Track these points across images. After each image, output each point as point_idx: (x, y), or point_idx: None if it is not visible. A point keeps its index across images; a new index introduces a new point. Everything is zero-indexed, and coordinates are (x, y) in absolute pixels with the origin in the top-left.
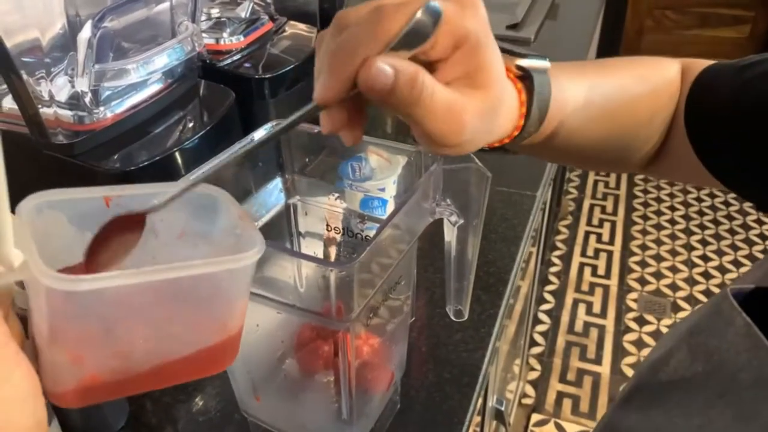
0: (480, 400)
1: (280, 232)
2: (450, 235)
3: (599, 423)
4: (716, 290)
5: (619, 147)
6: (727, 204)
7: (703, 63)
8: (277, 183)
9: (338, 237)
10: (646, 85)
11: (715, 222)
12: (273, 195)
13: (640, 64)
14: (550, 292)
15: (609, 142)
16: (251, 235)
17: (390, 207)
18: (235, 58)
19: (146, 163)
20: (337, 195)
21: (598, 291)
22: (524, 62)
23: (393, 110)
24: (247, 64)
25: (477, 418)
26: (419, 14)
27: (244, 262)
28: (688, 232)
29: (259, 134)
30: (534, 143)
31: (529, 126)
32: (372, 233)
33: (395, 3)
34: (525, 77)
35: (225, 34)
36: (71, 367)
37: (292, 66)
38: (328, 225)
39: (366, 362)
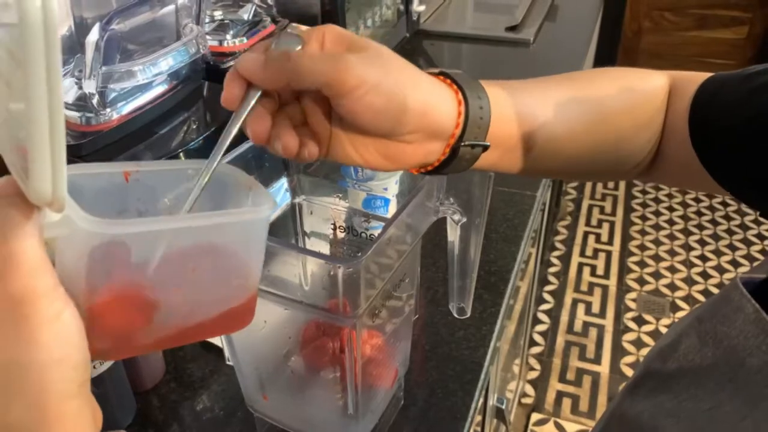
0: (481, 399)
1: (286, 232)
2: (453, 233)
3: (606, 411)
4: (715, 290)
5: (606, 159)
6: (725, 204)
7: (698, 74)
8: (282, 182)
9: (343, 236)
10: (631, 97)
11: (714, 222)
12: (279, 194)
13: (623, 76)
14: (549, 292)
15: (595, 154)
16: (262, 196)
17: (392, 206)
18: None
19: None
20: (339, 195)
21: (597, 291)
22: (451, 72)
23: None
24: None
25: (478, 417)
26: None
27: (259, 214)
28: (687, 233)
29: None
30: (509, 158)
31: (472, 127)
32: (375, 232)
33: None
34: (455, 84)
35: (228, 37)
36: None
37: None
38: (333, 224)
39: (371, 359)
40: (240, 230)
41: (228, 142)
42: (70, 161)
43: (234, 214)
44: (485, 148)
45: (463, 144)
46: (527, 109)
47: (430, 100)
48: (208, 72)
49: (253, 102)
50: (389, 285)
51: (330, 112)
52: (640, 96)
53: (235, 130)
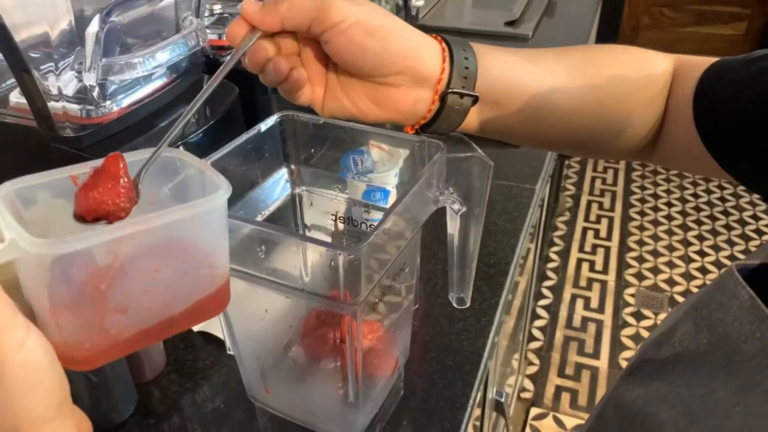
0: (480, 392)
1: (286, 223)
2: (453, 223)
3: (602, 399)
4: None
5: (604, 135)
6: (723, 200)
7: (703, 59)
8: (282, 173)
9: (343, 227)
10: (632, 76)
11: (712, 218)
12: (279, 185)
13: (626, 55)
14: (548, 288)
15: (592, 128)
16: (216, 181)
17: (392, 197)
18: None
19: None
20: (339, 186)
21: (596, 286)
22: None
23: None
24: None
25: (477, 411)
26: None
27: (215, 202)
28: (685, 228)
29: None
30: (501, 119)
31: (457, 76)
32: (375, 224)
33: None
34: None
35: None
36: (80, 330)
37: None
38: (333, 215)
39: (371, 348)
40: (198, 222)
41: (222, 75)
42: (70, 154)
43: (188, 208)
44: (474, 99)
45: (450, 91)
46: (521, 70)
47: (413, 44)
48: (208, 65)
49: (251, 42)
50: (389, 274)
51: (327, 64)
52: (642, 76)
53: (232, 64)
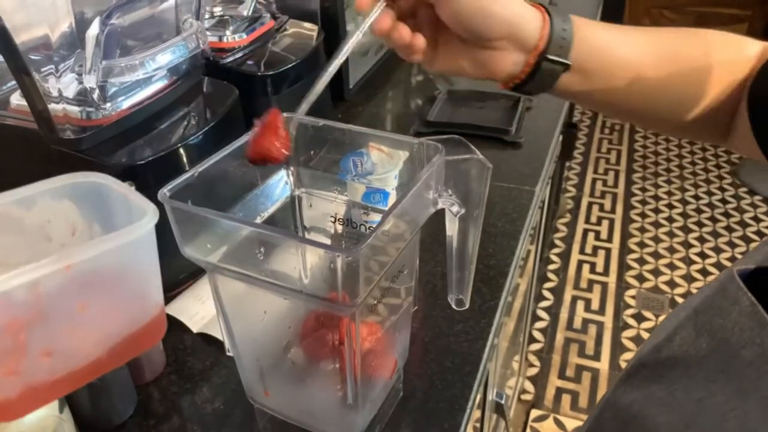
0: (480, 394)
1: (286, 225)
2: (451, 225)
3: (599, 402)
4: None
5: (685, 112)
6: (724, 202)
7: None
8: (282, 175)
9: (342, 228)
10: (721, 57)
11: (713, 220)
12: (278, 187)
13: (718, 37)
14: (548, 290)
15: (676, 105)
16: (142, 206)
17: (391, 200)
18: (237, 55)
19: (151, 158)
20: (338, 188)
21: (597, 288)
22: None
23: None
24: (249, 62)
25: (477, 412)
26: None
27: (136, 233)
28: (686, 230)
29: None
30: (588, 85)
31: (554, 44)
32: (375, 226)
33: None
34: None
35: (228, 32)
36: (3, 379)
37: (293, 63)
38: (332, 217)
39: (370, 349)
40: (124, 252)
41: (354, 42)
42: (70, 155)
43: (111, 239)
44: (566, 66)
45: (546, 57)
46: (615, 45)
47: (517, 11)
48: (208, 68)
49: (378, 11)
50: (388, 276)
51: (437, 27)
52: (729, 60)
53: (363, 30)
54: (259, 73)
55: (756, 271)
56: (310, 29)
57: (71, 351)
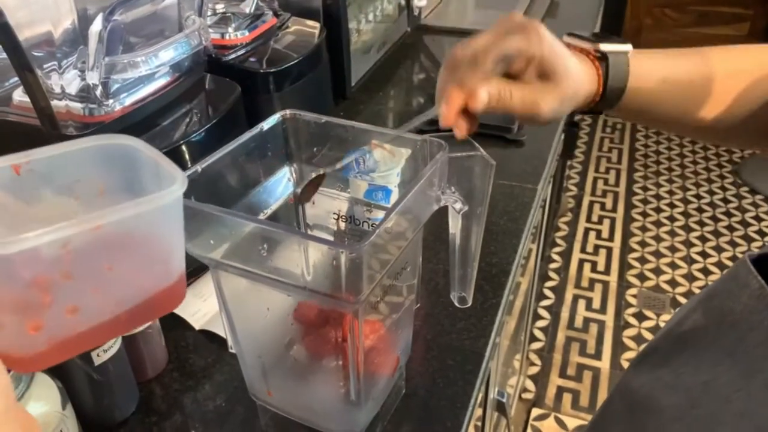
0: (482, 392)
1: (288, 222)
2: (454, 222)
3: (613, 387)
4: None
5: (733, 123)
6: (726, 201)
7: None
8: (285, 172)
9: (345, 225)
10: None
11: (714, 219)
12: (281, 184)
13: (754, 49)
14: (550, 288)
15: (725, 115)
16: (172, 173)
17: (394, 197)
18: (240, 52)
19: None
20: (341, 186)
21: (598, 287)
22: (604, 47)
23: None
24: (252, 59)
25: (479, 411)
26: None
27: (166, 199)
28: (687, 229)
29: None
30: (634, 109)
31: (609, 96)
32: (377, 223)
33: (484, 48)
34: (602, 58)
35: (230, 29)
36: (25, 331)
37: (295, 61)
38: (335, 215)
39: (373, 346)
40: (153, 217)
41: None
42: None
43: (142, 203)
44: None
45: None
46: (667, 64)
47: (583, 89)
48: (210, 64)
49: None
50: (391, 273)
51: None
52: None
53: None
54: (262, 70)
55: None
56: (312, 26)
57: (94, 309)
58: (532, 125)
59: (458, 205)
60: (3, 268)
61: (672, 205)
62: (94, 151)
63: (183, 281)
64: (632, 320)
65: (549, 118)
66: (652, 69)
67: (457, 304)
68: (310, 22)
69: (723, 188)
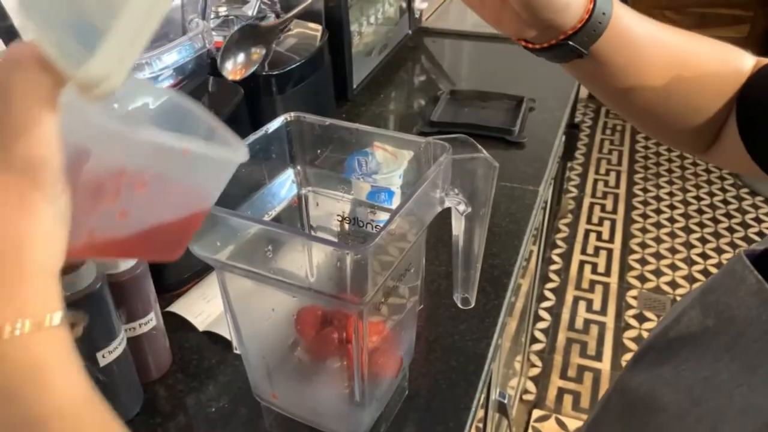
0: (483, 394)
1: (292, 224)
2: (458, 224)
3: (610, 386)
4: None
5: (681, 105)
6: (726, 202)
7: None
8: (289, 174)
9: (348, 227)
10: (720, 69)
11: (715, 220)
12: (285, 186)
13: (719, 43)
14: (550, 290)
15: (673, 94)
16: (231, 139)
17: (396, 198)
18: None
19: None
20: (344, 187)
21: (599, 288)
22: None
23: None
24: None
25: (480, 412)
26: None
27: (238, 155)
28: (688, 231)
29: None
30: (600, 71)
31: (592, 22)
32: (381, 225)
33: None
34: None
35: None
36: (79, 219)
37: (298, 63)
38: (339, 216)
39: (376, 347)
40: (216, 164)
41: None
42: None
43: (218, 148)
44: (583, 55)
45: (568, 42)
46: (642, 42)
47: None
48: (213, 67)
49: None
50: (395, 274)
51: None
52: (727, 71)
53: None
54: (264, 73)
55: (765, 255)
56: (314, 29)
57: (135, 223)
58: (518, 6)
59: (461, 207)
60: (119, 147)
61: (672, 207)
62: (163, 100)
63: (202, 217)
64: (633, 322)
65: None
66: (634, 20)
67: (460, 305)
68: (313, 25)
69: (723, 190)
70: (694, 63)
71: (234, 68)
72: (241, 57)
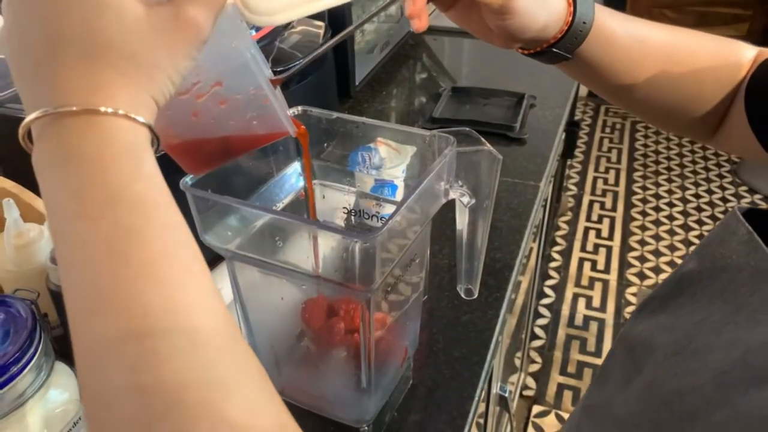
0: (485, 388)
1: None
2: (462, 216)
3: (615, 338)
4: None
5: (677, 97)
6: (725, 200)
7: None
8: (295, 167)
9: (354, 220)
10: (717, 63)
11: (713, 218)
12: (292, 178)
13: (713, 37)
14: (550, 287)
15: (667, 88)
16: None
17: (400, 192)
18: None
19: (161, 153)
20: (349, 180)
21: (598, 285)
22: None
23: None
24: None
25: (481, 405)
26: None
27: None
28: (686, 228)
29: None
30: (592, 59)
31: (574, 29)
32: (386, 217)
33: None
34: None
35: None
36: (165, 112)
37: (301, 60)
38: (345, 209)
39: (382, 336)
40: (273, 112)
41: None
42: None
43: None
44: (568, 59)
45: (551, 49)
46: (610, 30)
47: (553, 16)
48: None
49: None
50: (401, 265)
51: None
52: (726, 63)
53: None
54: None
55: (755, 212)
56: (317, 27)
57: (204, 128)
58: (500, 33)
59: (465, 199)
60: (242, 71)
61: (671, 204)
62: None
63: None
64: None
65: (522, 20)
66: (618, 23)
67: (463, 295)
68: (316, 22)
69: (722, 187)
70: (686, 57)
71: None
72: None
